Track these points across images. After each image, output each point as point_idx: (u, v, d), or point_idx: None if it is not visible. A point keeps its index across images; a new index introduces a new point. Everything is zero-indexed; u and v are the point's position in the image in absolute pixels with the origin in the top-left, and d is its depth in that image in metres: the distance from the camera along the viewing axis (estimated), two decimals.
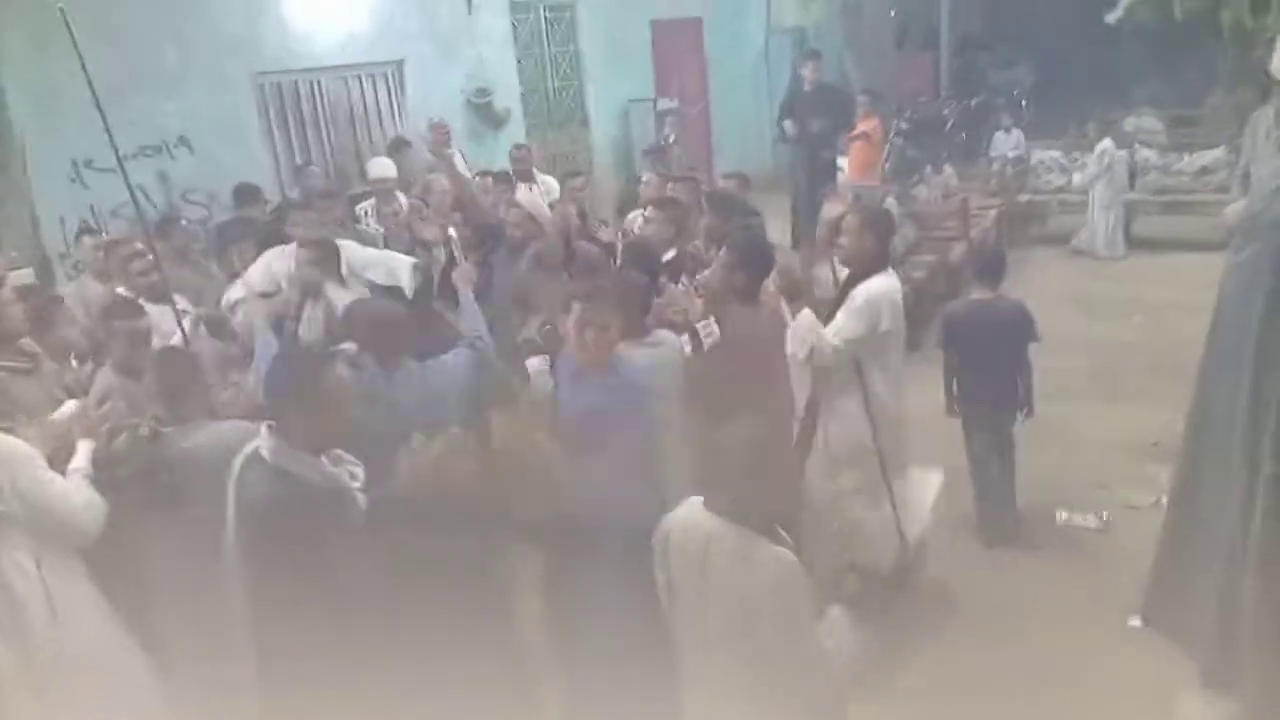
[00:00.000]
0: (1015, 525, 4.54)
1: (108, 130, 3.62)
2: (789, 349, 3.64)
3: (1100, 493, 4.86)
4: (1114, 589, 4.00)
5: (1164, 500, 4.14)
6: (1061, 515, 4.68)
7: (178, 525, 2.89)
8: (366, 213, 6.49)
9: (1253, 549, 3.17)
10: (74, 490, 2.77)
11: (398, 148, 7.23)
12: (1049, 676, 3.60)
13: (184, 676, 3.00)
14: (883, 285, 3.67)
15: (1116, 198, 9.36)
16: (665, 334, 3.52)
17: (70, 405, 3.13)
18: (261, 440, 2.49)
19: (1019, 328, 4.35)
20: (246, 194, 6.59)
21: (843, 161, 8.96)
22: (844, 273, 3.88)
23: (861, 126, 8.85)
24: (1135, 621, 3.77)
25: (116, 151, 3.72)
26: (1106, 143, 9.32)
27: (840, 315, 3.66)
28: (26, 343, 3.48)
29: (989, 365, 4.34)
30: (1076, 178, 9.66)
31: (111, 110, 3.67)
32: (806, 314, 3.61)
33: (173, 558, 2.94)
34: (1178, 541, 3.53)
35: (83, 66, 3.48)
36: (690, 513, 2.47)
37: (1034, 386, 4.44)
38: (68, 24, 3.48)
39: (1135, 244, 9.60)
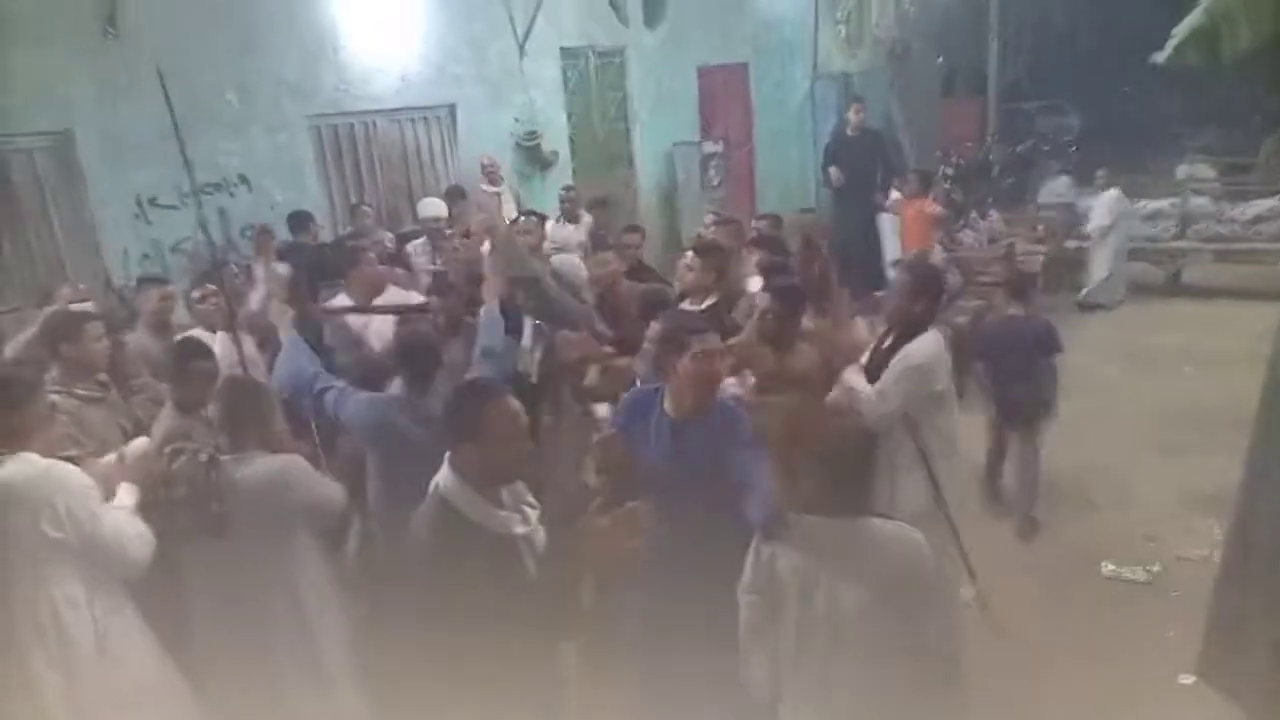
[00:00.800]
0: (1031, 527, 5.00)
1: (188, 167, 3.89)
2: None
3: (1150, 545, 4.74)
4: (1164, 645, 3.90)
5: (1215, 554, 4.05)
6: (1108, 567, 4.57)
7: (223, 555, 2.94)
8: (416, 251, 6.65)
9: None
10: (126, 522, 2.81)
11: (453, 198, 7.40)
12: None
13: (224, 709, 3.04)
14: (930, 348, 3.52)
15: (1123, 248, 9.25)
16: None
17: (141, 442, 3.20)
18: (441, 473, 2.40)
19: (1046, 341, 4.99)
20: (299, 221, 6.84)
21: (887, 211, 8.87)
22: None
23: (917, 205, 8.45)
24: (1186, 679, 3.66)
25: (194, 185, 3.95)
26: (1114, 191, 9.22)
27: (886, 380, 3.51)
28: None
29: (1020, 372, 4.95)
30: (1089, 225, 9.50)
31: (175, 150, 3.87)
32: (852, 373, 3.55)
33: (218, 588, 3.00)
34: (1232, 594, 3.44)
35: (171, 113, 3.75)
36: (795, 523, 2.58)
37: (1057, 393, 4.98)
38: (163, 84, 3.78)
39: (1186, 293, 9.45)
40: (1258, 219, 9.43)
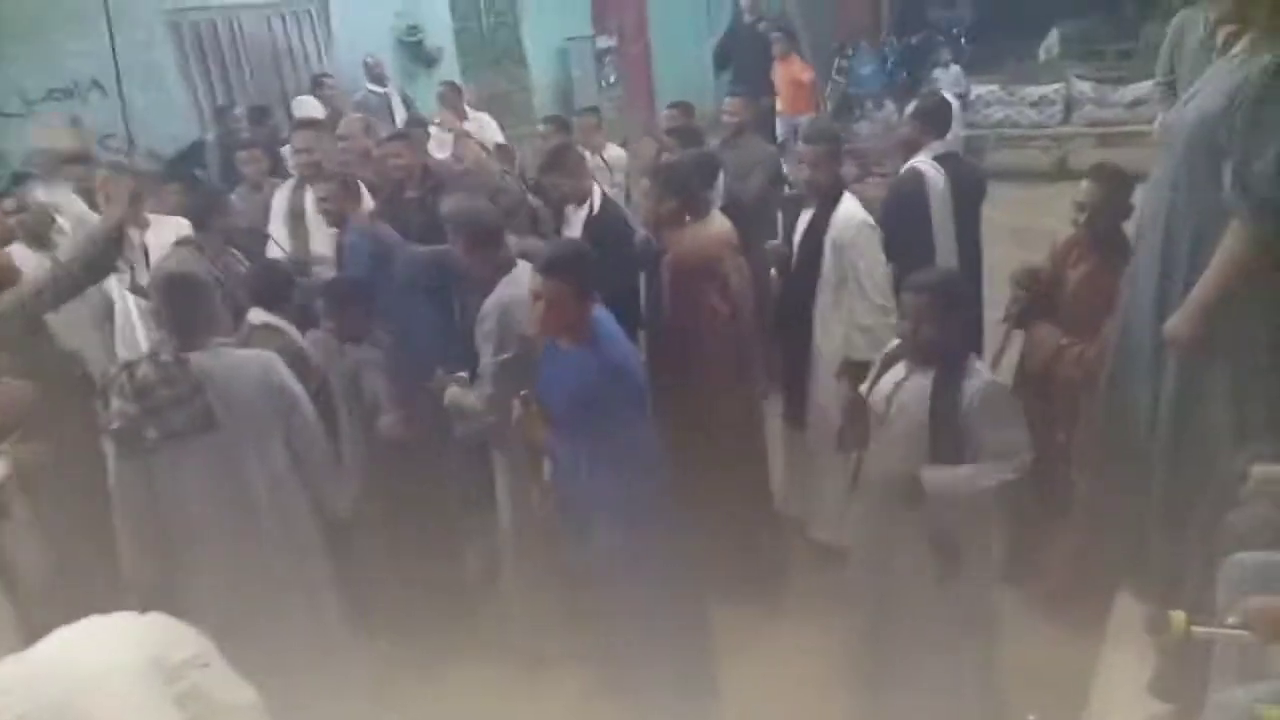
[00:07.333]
0: None
1: None
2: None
3: None
4: None
5: None
6: None
7: (210, 451, 2.76)
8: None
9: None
10: None
11: (319, 86, 7.02)
12: None
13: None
14: (854, 209, 3.68)
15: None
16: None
17: None
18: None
19: None
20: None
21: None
22: None
23: (788, 67, 8.53)
24: None
25: None
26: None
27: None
28: None
29: None
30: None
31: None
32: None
33: (208, 488, 2.80)
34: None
35: None
36: None
37: None
38: None
39: (1072, 176, 9.67)
40: (1137, 102, 9.68)
